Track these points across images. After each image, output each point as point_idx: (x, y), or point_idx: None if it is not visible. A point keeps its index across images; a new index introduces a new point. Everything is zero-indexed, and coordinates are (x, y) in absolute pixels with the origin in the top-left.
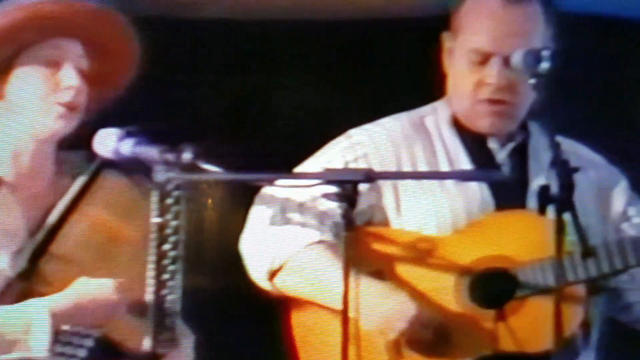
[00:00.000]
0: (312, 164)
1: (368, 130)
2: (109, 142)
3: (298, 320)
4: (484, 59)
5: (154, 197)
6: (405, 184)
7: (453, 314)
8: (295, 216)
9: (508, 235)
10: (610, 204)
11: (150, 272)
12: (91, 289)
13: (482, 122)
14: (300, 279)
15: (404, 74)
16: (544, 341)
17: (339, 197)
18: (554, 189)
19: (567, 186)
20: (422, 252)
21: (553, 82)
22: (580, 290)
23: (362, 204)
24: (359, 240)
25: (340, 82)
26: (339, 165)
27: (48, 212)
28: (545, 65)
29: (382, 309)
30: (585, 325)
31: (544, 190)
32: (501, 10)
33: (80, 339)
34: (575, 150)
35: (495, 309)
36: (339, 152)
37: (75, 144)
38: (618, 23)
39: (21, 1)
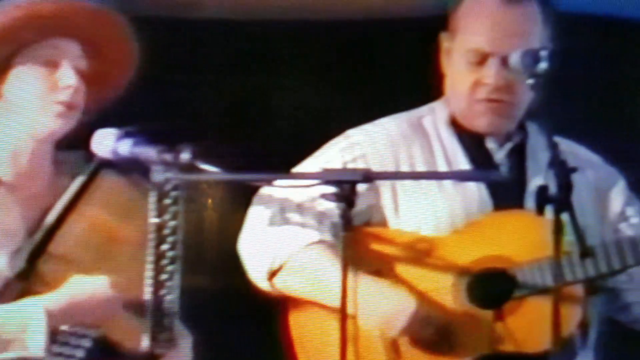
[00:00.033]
0: (311, 164)
1: (366, 131)
2: (107, 142)
3: (296, 321)
4: (481, 59)
5: (152, 198)
6: (404, 184)
7: (451, 314)
8: (294, 216)
9: (506, 236)
10: (608, 204)
11: (149, 273)
12: (86, 286)
13: (479, 121)
14: (300, 279)
15: (403, 74)
16: (542, 341)
17: (337, 197)
18: (552, 189)
19: (565, 186)
20: (421, 253)
21: (551, 82)
22: (578, 290)
23: (361, 204)
24: (357, 241)
25: (340, 82)
26: (337, 165)
27: (46, 212)
28: (543, 66)
29: (382, 307)
30: (584, 326)
31: (542, 191)
32: (499, 11)
33: (78, 339)
34: (573, 150)
35: (494, 309)
36: (337, 153)
37: (73, 144)
38: (616, 23)
39: (20, 0)
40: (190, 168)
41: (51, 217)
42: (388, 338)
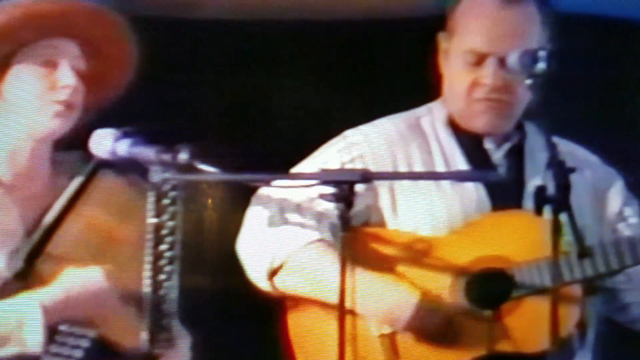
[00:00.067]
0: (309, 164)
1: (364, 131)
2: (105, 142)
3: (295, 321)
4: (479, 60)
5: (151, 198)
6: (402, 185)
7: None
8: (293, 216)
9: (504, 236)
10: (606, 204)
11: (147, 273)
12: (80, 279)
13: (477, 122)
14: (300, 277)
15: (403, 74)
16: (541, 341)
17: (335, 197)
18: (551, 189)
19: (564, 187)
20: (419, 253)
21: (550, 83)
22: (576, 290)
23: (359, 204)
24: (356, 241)
25: (340, 82)
26: (335, 166)
27: (45, 212)
28: (541, 66)
29: (385, 301)
30: (582, 326)
31: (540, 191)
32: (497, 11)
33: (76, 339)
34: (571, 150)
35: (492, 309)
36: (335, 153)
37: (71, 144)
38: (616, 23)
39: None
40: (188, 168)
41: (49, 217)
42: (395, 330)
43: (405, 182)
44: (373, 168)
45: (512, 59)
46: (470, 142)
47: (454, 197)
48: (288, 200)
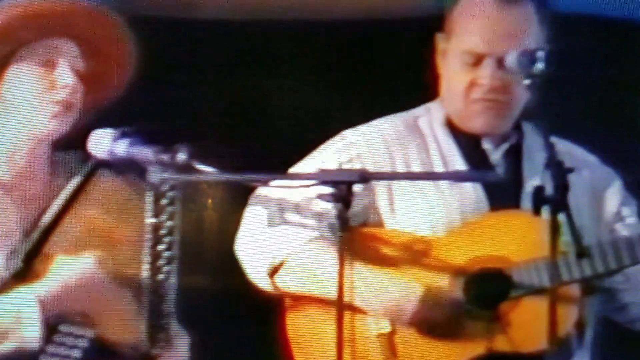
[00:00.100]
0: (307, 164)
1: (362, 131)
2: (103, 142)
3: (294, 321)
4: (477, 60)
5: (149, 198)
6: (399, 185)
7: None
8: (292, 216)
9: (503, 236)
10: (604, 204)
11: (145, 273)
12: (73, 268)
13: (475, 122)
14: (302, 275)
15: (403, 74)
16: (539, 341)
17: (333, 197)
18: (549, 189)
19: (562, 187)
20: (417, 253)
21: (549, 83)
22: (574, 290)
23: (357, 205)
24: (354, 241)
25: (340, 82)
26: (333, 166)
27: (43, 212)
28: (539, 66)
29: (389, 295)
30: (580, 326)
31: (538, 191)
32: (494, 12)
33: (74, 339)
34: (569, 150)
35: (490, 309)
36: (333, 153)
37: (70, 144)
38: (616, 23)
39: None
40: (187, 168)
41: (47, 218)
42: (401, 323)
43: (403, 182)
44: (371, 168)
45: (511, 59)
46: (468, 142)
47: (452, 197)
48: (286, 200)
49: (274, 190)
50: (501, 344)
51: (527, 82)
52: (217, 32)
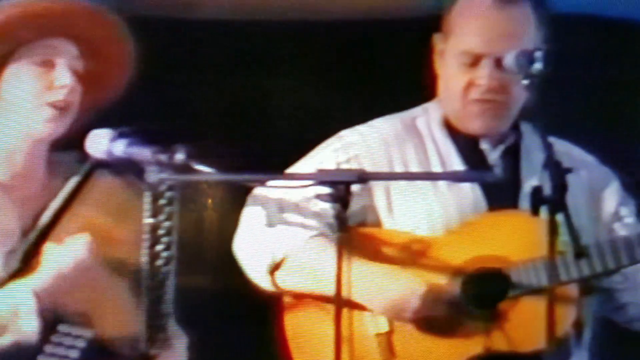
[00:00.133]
0: (305, 164)
1: (360, 132)
2: (101, 142)
3: (292, 321)
4: (475, 61)
5: (147, 198)
6: (398, 185)
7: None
8: (291, 216)
9: (501, 236)
10: (602, 204)
11: (143, 273)
12: (66, 257)
13: (473, 122)
14: (302, 272)
15: (403, 74)
16: (537, 341)
17: (331, 197)
18: (547, 190)
19: (560, 187)
20: (416, 253)
21: (548, 83)
22: (572, 290)
23: (355, 205)
24: (352, 241)
25: (340, 82)
26: (331, 166)
27: (41, 212)
28: (538, 66)
29: (391, 291)
30: (578, 325)
31: (536, 191)
32: (492, 12)
33: (72, 339)
34: (567, 150)
35: (488, 309)
36: (331, 153)
37: (69, 144)
38: (615, 23)
39: None
40: (185, 169)
41: (45, 218)
42: (403, 319)
43: (402, 183)
44: (369, 168)
45: (509, 59)
46: (466, 142)
47: (450, 197)
48: (285, 200)
49: (272, 190)
50: (499, 344)
51: (525, 82)
52: (217, 32)
